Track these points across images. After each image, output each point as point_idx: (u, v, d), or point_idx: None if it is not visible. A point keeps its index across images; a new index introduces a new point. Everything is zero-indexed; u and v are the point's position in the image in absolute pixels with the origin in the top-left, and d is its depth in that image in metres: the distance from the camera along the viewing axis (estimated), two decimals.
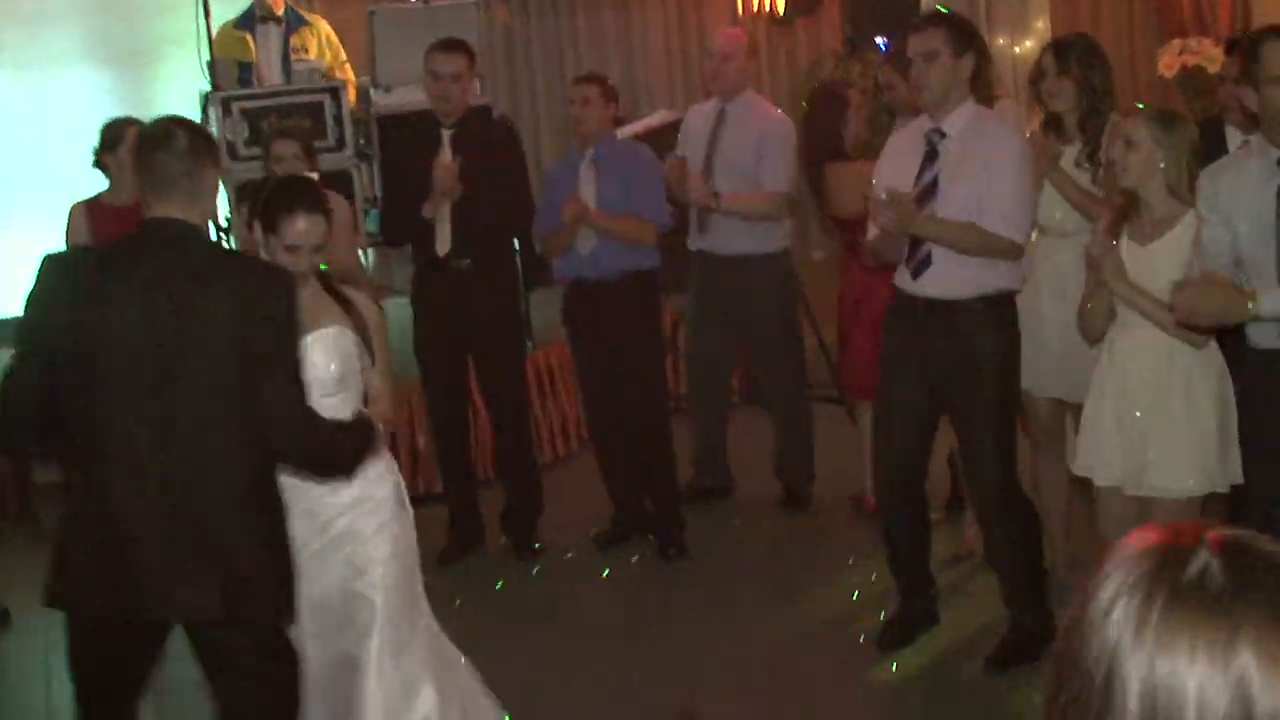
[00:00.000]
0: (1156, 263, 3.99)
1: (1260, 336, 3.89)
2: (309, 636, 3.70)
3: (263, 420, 3.23)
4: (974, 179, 4.44)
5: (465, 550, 5.96)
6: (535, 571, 5.87)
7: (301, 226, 3.67)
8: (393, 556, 3.80)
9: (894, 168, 4.67)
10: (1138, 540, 1.27)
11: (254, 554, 3.30)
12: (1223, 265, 3.85)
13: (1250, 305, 3.62)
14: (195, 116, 6.96)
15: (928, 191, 4.53)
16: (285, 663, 3.48)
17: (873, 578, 5.40)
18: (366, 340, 3.78)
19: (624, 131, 6.42)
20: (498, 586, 5.67)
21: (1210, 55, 7.96)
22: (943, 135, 4.53)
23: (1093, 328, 4.22)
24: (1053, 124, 4.85)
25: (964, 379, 4.53)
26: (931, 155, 4.55)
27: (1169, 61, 8.31)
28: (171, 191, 3.31)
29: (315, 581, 3.70)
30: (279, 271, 3.47)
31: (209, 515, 3.23)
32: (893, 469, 4.76)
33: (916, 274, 4.57)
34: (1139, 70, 9.63)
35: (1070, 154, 4.80)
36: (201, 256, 3.36)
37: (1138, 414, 4.10)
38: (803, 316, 6.94)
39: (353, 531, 3.78)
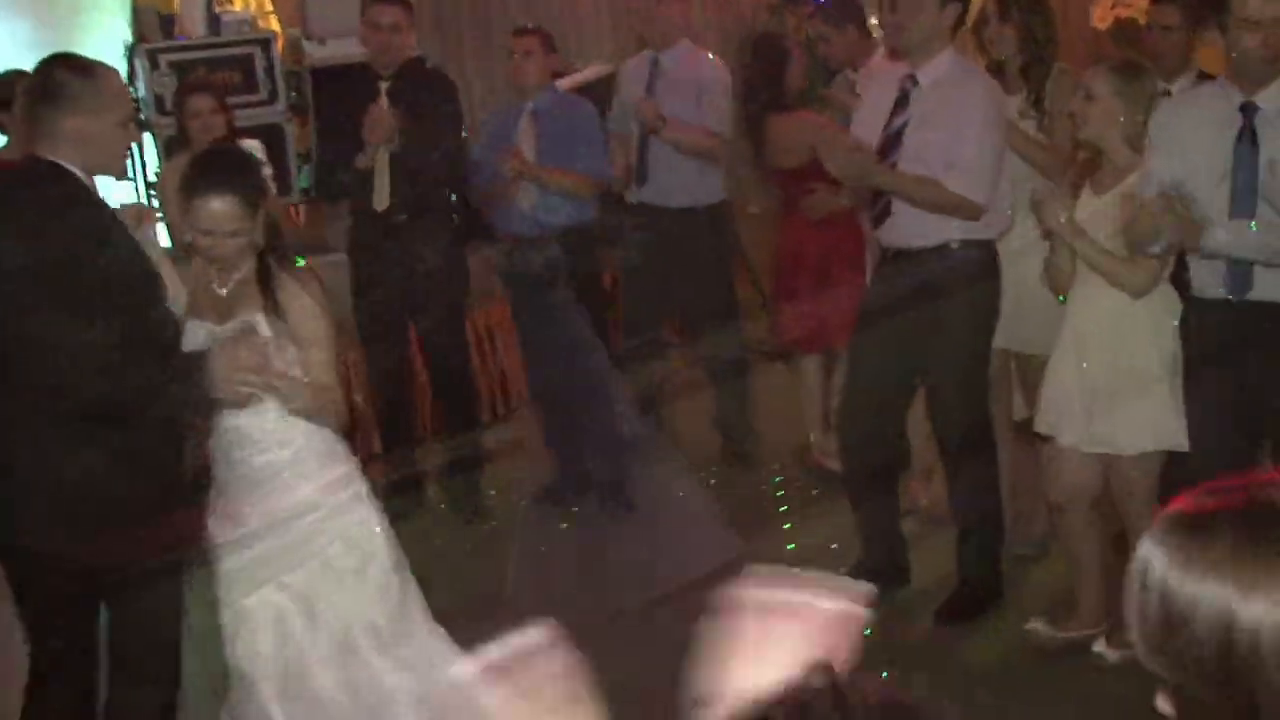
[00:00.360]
0: (1112, 211, 3.97)
1: (1206, 287, 3.88)
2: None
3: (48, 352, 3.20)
4: (941, 131, 4.38)
5: (405, 511, 5.87)
6: (476, 531, 5.79)
7: (215, 209, 3.29)
8: (340, 581, 3.45)
9: (868, 113, 4.62)
10: (1203, 510, 1.24)
11: (71, 489, 3.25)
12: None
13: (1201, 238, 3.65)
14: (119, 69, 6.81)
15: (893, 139, 4.48)
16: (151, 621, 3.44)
17: (819, 532, 5.38)
18: (290, 339, 3.38)
19: (559, 85, 6.31)
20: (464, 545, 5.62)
21: (1140, 7, 7.99)
22: (916, 83, 4.47)
23: (1057, 280, 4.21)
24: (994, 72, 4.82)
25: (934, 326, 4.46)
26: (902, 102, 4.49)
27: (1102, 14, 8.34)
28: (32, 131, 3.30)
29: (253, 613, 3.44)
30: (84, 210, 3.33)
31: (39, 447, 3.25)
32: (862, 426, 4.72)
33: (877, 223, 4.53)
34: (1072, 21, 9.64)
35: (1013, 104, 4.78)
36: (35, 193, 3.26)
37: (1084, 365, 4.09)
38: (744, 270, 6.89)
39: (306, 540, 3.44)
